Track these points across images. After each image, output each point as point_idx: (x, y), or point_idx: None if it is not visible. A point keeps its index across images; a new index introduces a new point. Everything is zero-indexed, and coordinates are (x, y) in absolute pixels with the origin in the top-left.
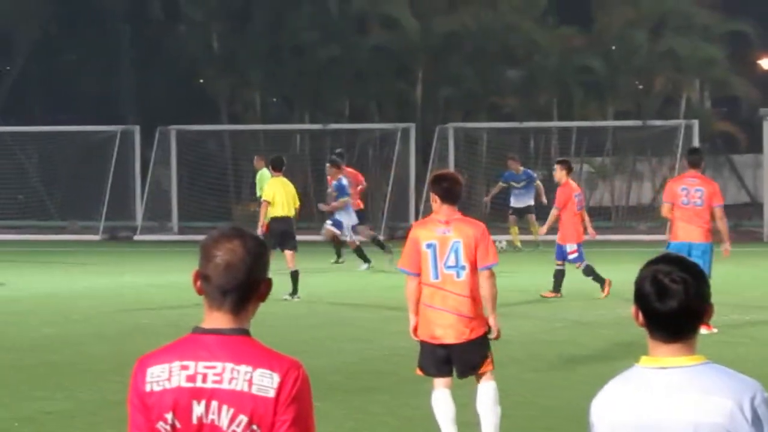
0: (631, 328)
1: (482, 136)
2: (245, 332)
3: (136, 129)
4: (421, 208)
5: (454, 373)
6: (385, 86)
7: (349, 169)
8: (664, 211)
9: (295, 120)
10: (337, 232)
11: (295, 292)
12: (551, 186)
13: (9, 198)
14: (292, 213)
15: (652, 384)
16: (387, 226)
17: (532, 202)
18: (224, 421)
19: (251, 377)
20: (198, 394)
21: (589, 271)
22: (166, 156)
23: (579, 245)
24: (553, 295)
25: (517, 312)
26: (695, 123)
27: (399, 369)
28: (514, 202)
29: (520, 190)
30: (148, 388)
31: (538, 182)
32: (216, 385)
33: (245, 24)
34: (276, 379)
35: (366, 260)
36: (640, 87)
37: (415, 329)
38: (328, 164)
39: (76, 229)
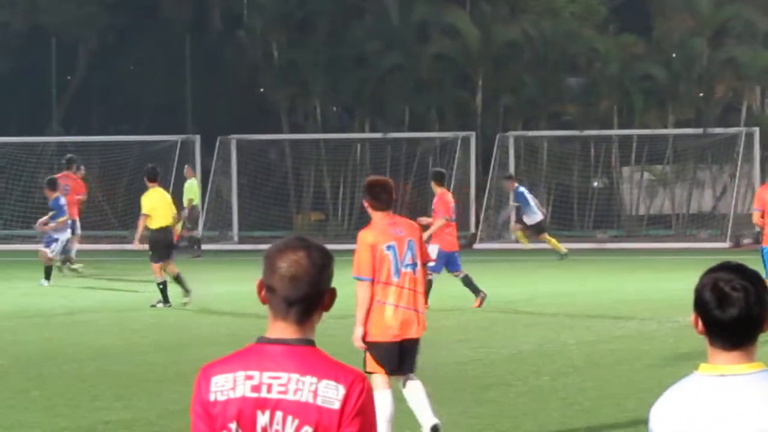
0: (692, 336)
1: (542, 145)
2: (310, 343)
3: (197, 138)
4: (482, 216)
5: None
6: (445, 94)
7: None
8: (755, 218)
9: (356, 129)
10: (48, 251)
11: (166, 300)
12: (602, 195)
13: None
14: (170, 222)
15: (712, 392)
16: None
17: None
18: None
19: (316, 388)
20: (262, 404)
21: (467, 282)
22: (227, 165)
23: (448, 254)
24: (479, 302)
25: (579, 321)
26: (756, 130)
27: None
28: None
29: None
30: (212, 397)
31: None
32: (281, 396)
33: (306, 33)
34: (341, 390)
35: (48, 277)
36: (701, 95)
37: (364, 336)
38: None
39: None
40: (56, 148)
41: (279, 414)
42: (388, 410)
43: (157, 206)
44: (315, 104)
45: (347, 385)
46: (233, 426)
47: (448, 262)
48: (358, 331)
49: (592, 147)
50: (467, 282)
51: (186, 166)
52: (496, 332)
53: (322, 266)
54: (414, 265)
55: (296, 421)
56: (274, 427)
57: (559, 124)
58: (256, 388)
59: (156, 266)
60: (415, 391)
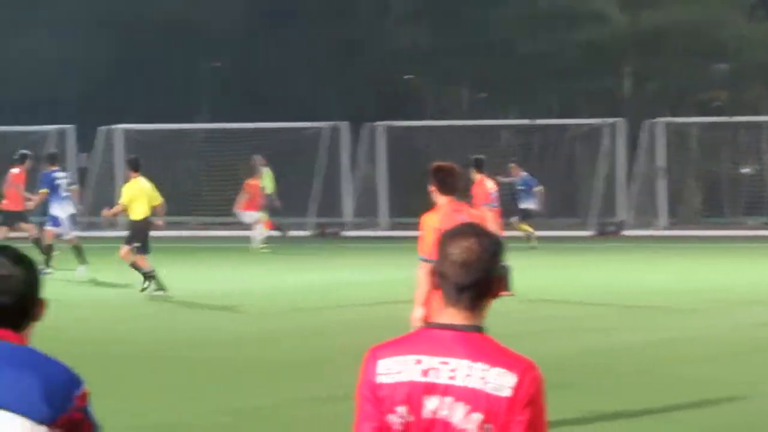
0: None
1: (691, 131)
2: (481, 329)
3: (344, 125)
4: (631, 203)
5: None
6: (593, 81)
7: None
8: None
9: (502, 116)
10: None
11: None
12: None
13: (218, 195)
14: (150, 213)
15: None
16: (598, 222)
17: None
18: (457, 418)
19: (487, 375)
20: (431, 389)
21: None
22: (373, 152)
23: None
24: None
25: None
26: None
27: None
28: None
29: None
30: (379, 379)
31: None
32: (450, 381)
33: (451, 19)
34: (513, 378)
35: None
36: None
37: (426, 317)
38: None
39: (286, 225)
40: (205, 136)
41: (448, 399)
42: None
43: (137, 197)
44: (460, 90)
45: (519, 373)
46: (401, 409)
47: None
48: (418, 312)
49: (741, 133)
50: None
51: (257, 156)
52: (640, 318)
53: (492, 253)
54: None
55: (465, 407)
56: (443, 412)
57: (707, 110)
58: (425, 373)
59: (127, 250)
60: None
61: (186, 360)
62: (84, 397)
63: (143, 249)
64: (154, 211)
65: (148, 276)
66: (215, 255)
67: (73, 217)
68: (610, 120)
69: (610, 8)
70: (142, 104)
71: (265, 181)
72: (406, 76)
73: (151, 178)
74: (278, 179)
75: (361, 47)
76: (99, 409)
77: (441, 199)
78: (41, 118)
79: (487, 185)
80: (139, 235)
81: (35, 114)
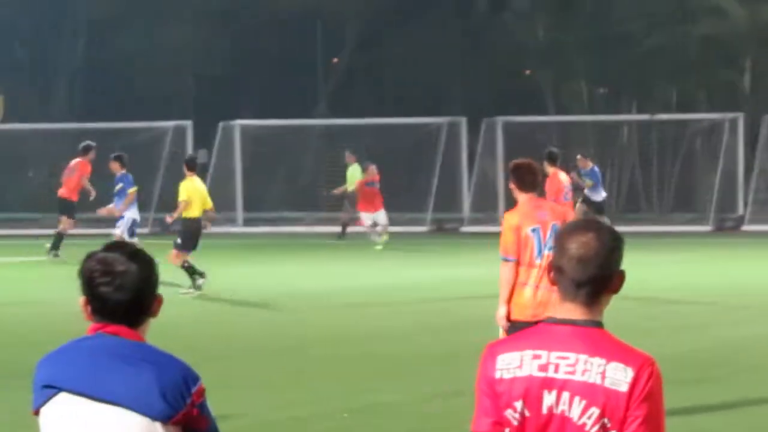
0: None
1: None
2: (599, 324)
3: (463, 121)
4: (750, 198)
5: None
6: (712, 75)
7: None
8: None
9: (623, 110)
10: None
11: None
12: None
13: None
14: (201, 214)
15: None
16: (716, 217)
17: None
18: (575, 413)
19: (604, 370)
20: (549, 384)
21: None
22: (492, 147)
23: None
24: None
25: None
26: None
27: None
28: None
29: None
30: (498, 375)
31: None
32: (568, 376)
33: (570, 13)
34: (630, 373)
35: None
36: None
37: (508, 315)
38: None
39: (402, 220)
40: (323, 131)
41: (566, 394)
42: None
43: (193, 196)
44: (580, 85)
45: (636, 368)
46: (518, 404)
47: None
48: (502, 310)
49: None
50: None
51: (347, 152)
52: (759, 312)
53: (611, 248)
54: None
55: (583, 402)
56: (561, 407)
57: None
58: (543, 368)
59: (175, 253)
60: None
61: (315, 357)
62: (201, 393)
63: (190, 247)
64: (205, 214)
65: (194, 272)
66: (333, 252)
67: (135, 222)
68: (730, 115)
69: (729, 2)
70: (259, 99)
71: (354, 177)
72: (525, 71)
73: (268, 173)
74: (396, 175)
75: (481, 42)
76: (226, 404)
77: (521, 197)
78: (158, 113)
79: (560, 178)
80: (191, 234)
81: (152, 110)
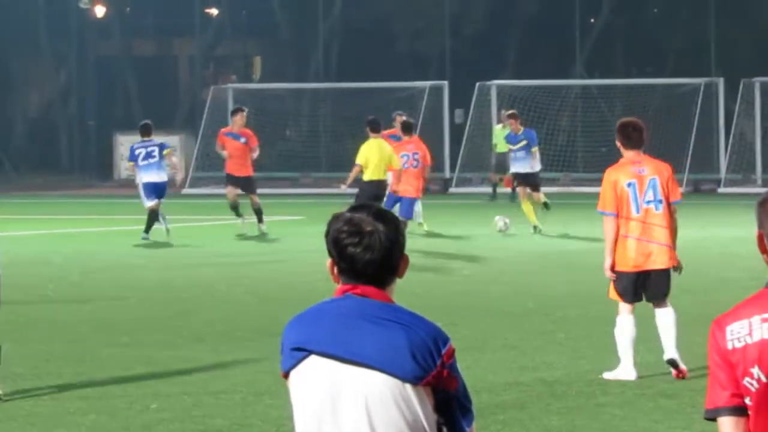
0: None
1: None
2: None
3: (720, 81)
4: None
5: None
6: None
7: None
8: None
9: None
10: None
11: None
12: None
13: (590, 150)
14: (384, 176)
15: None
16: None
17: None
18: None
19: None
20: None
21: None
22: (750, 108)
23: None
24: None
25: None
26: None
27: None
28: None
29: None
30: (730, 345)
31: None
32: None
33: None
34: None
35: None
36: None
37: (612, 266)
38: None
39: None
40: (579, 92)
41: None
42: (628, 334)
43: (372, 158)
44: None
45: None
46: (755, 370)
47: None
48: (607, 262)
49: None
50: None
51: (502, 111)
52: None
53: None
54: (658, 201)
55: None
56: None
57: None
58: None
59: None
60: (661, 319)
61: (564, 318)
62: (450, 354)
63: None
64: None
65: None
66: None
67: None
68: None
69: None
70: (516, 60)
71: (498, 138)
72: None
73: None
74: (652, 135)
75: (742, 1)
76: (479, 364)
77: (626, 154)
78: (415, 74)
79: None
80: (366, 198)
81: (408, 71)
